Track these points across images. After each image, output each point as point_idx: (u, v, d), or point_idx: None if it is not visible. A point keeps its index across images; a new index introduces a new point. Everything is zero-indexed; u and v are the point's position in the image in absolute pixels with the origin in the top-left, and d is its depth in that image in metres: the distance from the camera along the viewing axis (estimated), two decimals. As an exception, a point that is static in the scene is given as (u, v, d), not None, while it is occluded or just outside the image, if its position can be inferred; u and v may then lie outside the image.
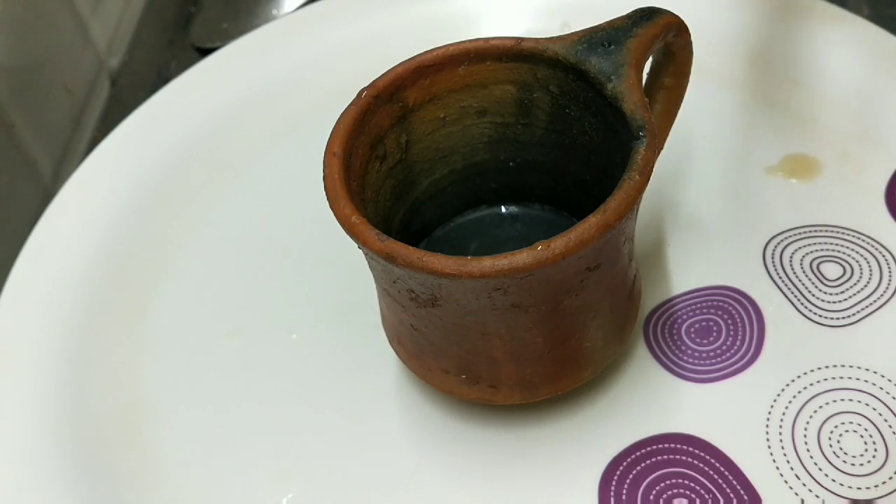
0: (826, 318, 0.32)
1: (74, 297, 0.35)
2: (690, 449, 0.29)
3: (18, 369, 0.33)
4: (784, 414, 0.30)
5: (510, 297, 0.25)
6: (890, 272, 0.33)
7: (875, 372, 0.30)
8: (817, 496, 0.28)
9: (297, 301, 0.35)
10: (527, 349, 0.27)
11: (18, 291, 0.35)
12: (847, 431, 0.29)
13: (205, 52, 0.46)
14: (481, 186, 0.33)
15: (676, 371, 0.31)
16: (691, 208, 0.35)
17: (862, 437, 0.29)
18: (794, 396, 0.30)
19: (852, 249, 0.33)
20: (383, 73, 0.28)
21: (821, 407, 0.30)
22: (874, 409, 0.30)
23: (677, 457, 0.29)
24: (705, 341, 0.32)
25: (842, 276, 0.33)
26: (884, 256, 0.33)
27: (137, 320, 0.35)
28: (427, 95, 0.29)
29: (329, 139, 0.27)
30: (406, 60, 0.29)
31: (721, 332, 0.32)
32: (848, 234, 0.34)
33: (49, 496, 0.30)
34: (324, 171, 0.26)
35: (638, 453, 0.29)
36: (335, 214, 0.25)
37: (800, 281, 0.33)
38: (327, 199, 0.26)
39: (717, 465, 0.29)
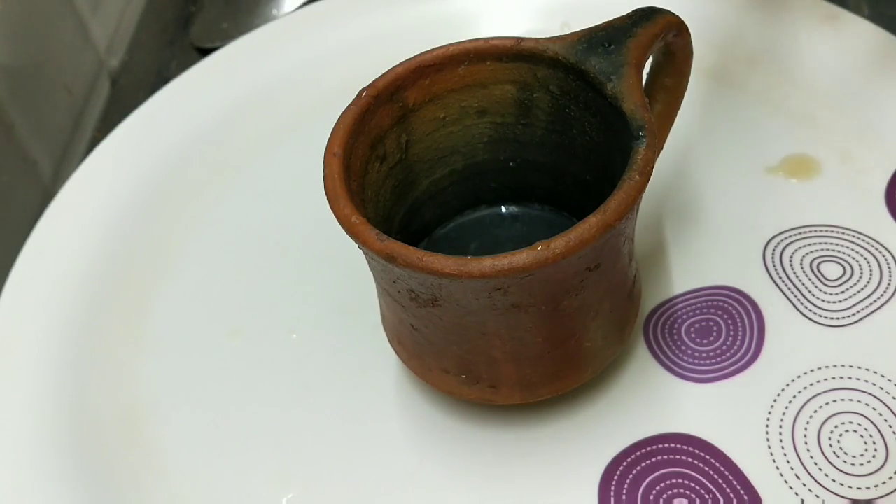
0: (826, 318, 0.32)
1: (74, 297, 0.35)
2: (690, 449, 0.29)
3: (18, 369, 0.33)
4: (784, 414, 0.30)
5: (510, 297, 0.25)
6: (890, 272, 0.33)
7: (875, 372, 0.30)
8: (817, 496, 0.28)
9: (297, 301, 0.35)
10: (527, 349, 0.27)
11: (18, 291, 0.35)
12: (847, 431, 0.29)
13: (205, 52, 0.46)
14: (481, 186, 0.33)
15: (676, 371, 0.31)
16: (691, 208, 0.35)
17: (862, 437, 0.29)
18: (794, 396, 0.30)
19: (852, 249, 0.33)
20: (383, 73, 0.28)
21: (821, 407, 0.30)
22: (874, 409, 0.30)
23: (677, 457, 0.29)
24: (705, 341, 0.32)
25: (842, 276, 0.33)
26: (884, 256, 0.33)
27: (137, 320, 0.35)
28: (427, 95, 0.29)
29: (329, 139, 0.27)
30: (406, 60, 0.29)
31: (721, 332, 0.32)
32: (848, 234, 0.34)
33: (49, 496, 0.30)
34: (324, 171, 0.26)
35: (638, 453, 0.29)
36: (335, 214, 0.25)
37: (800, 281, 0.33)
38: (327, 199, 0.26)
39: (717, 465, 0.29)
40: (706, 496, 0.28)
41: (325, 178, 0.26)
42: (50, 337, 0.34)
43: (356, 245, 0.25)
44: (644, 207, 0.33)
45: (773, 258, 0.34)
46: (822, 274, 0.33)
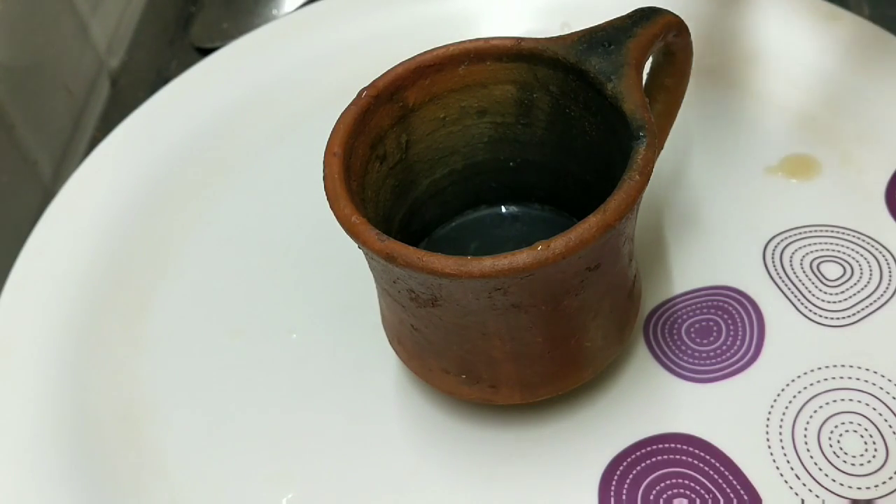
0: (826, 318, 0.32)
1: (74, 297, 0.35)
2: (690, 449, 0.29)
3: (18, 369, 0.33)
4: (784, 414, 0.30)
5: (510, 297, 0.25)
6: (890, 272, 0.33)
7: (875, 372, 0.30)
8: (817, 496, 0.28)
9: (297, 301, 0.35)
10: (527, 349, 0.27)
11: (18, 291, 0.35)
12: (847, 431, 0.29)
13: (205, 52, 0.46)
14: (481, 186, 0.33)
15: (676, 371, 0.31)
16: (692, 208, 0.35)
17: (862, 437, 0.29)
18: (794, 396, 0.30)
19: (852, 249, 0.33)
20: (383, 73, 0.28)
21: (821, 407, 0.30)
22: (874, 409, 0.30)
23: (677, 457, 0.29)
24: (705, 341, 0.32)
25: (842, 276, 0.33)
26: (884, 256, 0.33)
27: (137, 320, 0.35)
28: (427, 95, 0.29)
29: (329, 139, 0.27)
30: (406, 60, 0.29)
31: (721, 332, 0.32)
32: (848, 234, 0.34)
33: (49, 496, 0.30)
34: (324, 171, 0.26)
35: (638, 453, 0.29)
36: (335, 214, 0.25)
37: (800, 281, 0.33)
38: (327, 199, 0.26)
39: (717, 465, 0.29)
40: (706, 496, 0.28)
41: (325, 178, 0.26)
42: (50, 337, 0.34)
43: (356, 245, 0.25)
44: (644, 207, 0.33)
45: (773, 258, 0.34)
46: (822, 274, 0.33)
